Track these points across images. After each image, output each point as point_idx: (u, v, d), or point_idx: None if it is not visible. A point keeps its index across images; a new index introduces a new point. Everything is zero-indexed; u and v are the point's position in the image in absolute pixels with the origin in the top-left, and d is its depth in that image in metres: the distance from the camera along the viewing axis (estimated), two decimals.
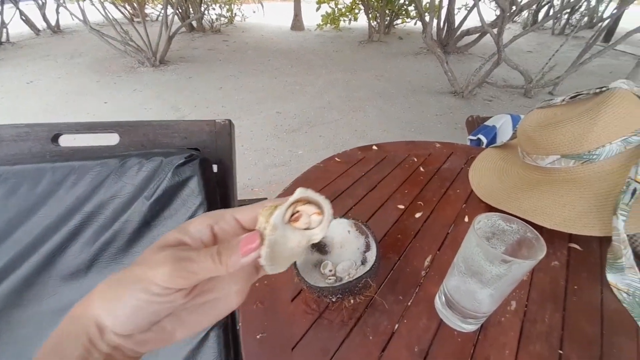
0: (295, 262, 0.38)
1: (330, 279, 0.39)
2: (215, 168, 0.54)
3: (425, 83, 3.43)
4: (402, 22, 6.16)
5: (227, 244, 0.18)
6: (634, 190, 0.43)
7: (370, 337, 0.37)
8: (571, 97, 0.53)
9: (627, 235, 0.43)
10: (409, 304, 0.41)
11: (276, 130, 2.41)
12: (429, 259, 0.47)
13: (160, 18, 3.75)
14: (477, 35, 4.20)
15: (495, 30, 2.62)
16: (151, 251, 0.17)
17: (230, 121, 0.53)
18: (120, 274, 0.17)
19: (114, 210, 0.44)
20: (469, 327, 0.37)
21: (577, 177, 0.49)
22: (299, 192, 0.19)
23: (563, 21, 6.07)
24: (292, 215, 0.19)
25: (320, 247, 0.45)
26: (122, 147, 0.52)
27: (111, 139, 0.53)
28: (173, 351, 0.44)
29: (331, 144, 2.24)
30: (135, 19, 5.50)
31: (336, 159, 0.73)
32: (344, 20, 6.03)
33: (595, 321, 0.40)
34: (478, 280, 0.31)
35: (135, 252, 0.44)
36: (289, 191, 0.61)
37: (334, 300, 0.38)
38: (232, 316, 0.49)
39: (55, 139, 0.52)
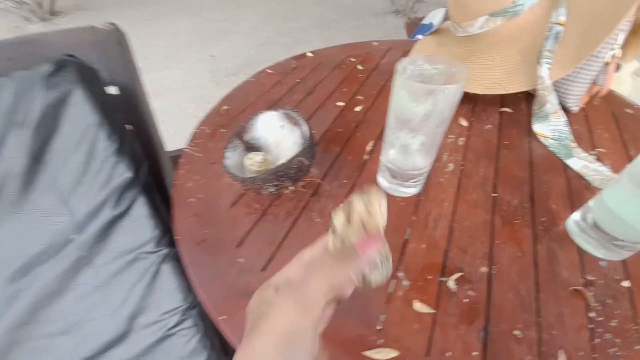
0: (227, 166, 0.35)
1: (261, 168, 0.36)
2: (115, 90, 0.46)
3: (366, 3, 3.22)
4: None
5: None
6: (557, 34, 0.43)
7: (318, 220, 0.36)
8: None
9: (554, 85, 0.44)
10: (353, 185, 0.40)
11: (214, 76, 2.18)
12: (371, 144, 0.46)
13: None
14: None
15: None
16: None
17: (116, 26, 0.43)
18: None
19: None
20: (412, 189, 0.37)
21: (504, 36, 0.48)
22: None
23: None
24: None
25: (254, 150, 0.41)
26: None
27: None
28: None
29: None
30: None
31: (268, 70, 0.65)
32: None
33: (524, 166, 0.42)
34: (409, 130, 0.29)
35: (33, 198, 0.36)
36: (215, 110, 0.54)
37: (272, 190, 0.36)
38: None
39: None
